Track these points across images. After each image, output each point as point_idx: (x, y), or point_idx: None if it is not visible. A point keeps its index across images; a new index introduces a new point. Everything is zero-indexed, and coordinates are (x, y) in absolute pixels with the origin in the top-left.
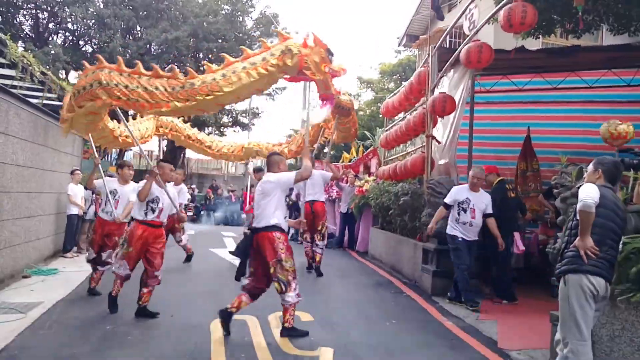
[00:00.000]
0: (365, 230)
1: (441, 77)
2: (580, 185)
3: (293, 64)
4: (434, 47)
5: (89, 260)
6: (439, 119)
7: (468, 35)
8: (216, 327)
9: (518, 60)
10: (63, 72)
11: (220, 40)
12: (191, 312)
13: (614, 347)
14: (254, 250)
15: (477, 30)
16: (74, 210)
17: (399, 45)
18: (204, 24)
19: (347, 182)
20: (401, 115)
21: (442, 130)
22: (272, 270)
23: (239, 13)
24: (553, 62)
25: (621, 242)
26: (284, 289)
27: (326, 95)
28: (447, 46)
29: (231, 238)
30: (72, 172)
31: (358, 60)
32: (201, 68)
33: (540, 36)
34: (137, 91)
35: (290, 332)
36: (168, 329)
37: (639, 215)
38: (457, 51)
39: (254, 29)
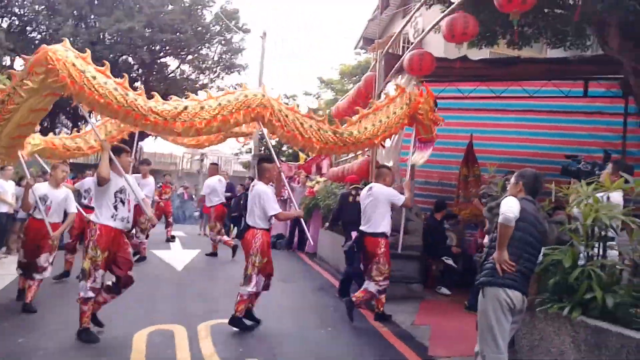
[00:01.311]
0: (314, 231)
1: (387, 83)
2: (504, 197)
3: (412, 113)
4: (382, 52)
5: (20, 265)
6: None
7: (414, 43)
8: (140, 339)
9: (463, 69)
10: (8, 59)
11: (177, 33)
12: (116, 322)
13: (533, 357)
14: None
15: (421, 38)
16: (3, 209)
17: (355, 48)
18: (160, 14)
19: (298, 183)
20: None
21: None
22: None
23: (199, 7)
24: (496, 72)
25: (541, 254)
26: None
27: (427, 138)
28: (401, 52)
29: (178, 238)
30: (1, 168)
31: (319, 59)
32: (158, 61)
33: (488, 46)
34: None
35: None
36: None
37: (561, 224)
38: (402, 58)
39: (213, 23)
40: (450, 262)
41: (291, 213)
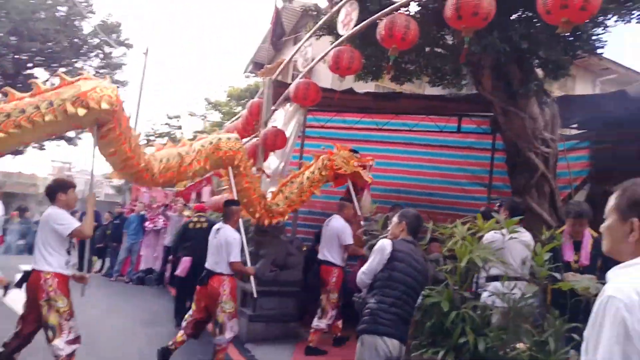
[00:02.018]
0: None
1: (275, 111)
2: (384, 237)
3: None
4: (269, 79)
5: None
6: (271, 153)
7: (302, 72)
8: None
9: (349, 100)
10: None
11: (49, 43)
12: None
13: None
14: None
15: (309, 68)
16: None
17: (245, 71)
18: (30, 22)
19: (175, 211)
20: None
21: (273, 161)
22: None
23: (77, 17)
24: (380, 105)
25: (421, 296)
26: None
27: (362, 184)
28: (290, 79)
29: None
30: None
31: (207, 80)
32: (23, 72)
33: (374, 79)
34: None
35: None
36: None
37: (437, 264)
38: (290, 86)
39: (91, 36)
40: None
41: (248, 269)
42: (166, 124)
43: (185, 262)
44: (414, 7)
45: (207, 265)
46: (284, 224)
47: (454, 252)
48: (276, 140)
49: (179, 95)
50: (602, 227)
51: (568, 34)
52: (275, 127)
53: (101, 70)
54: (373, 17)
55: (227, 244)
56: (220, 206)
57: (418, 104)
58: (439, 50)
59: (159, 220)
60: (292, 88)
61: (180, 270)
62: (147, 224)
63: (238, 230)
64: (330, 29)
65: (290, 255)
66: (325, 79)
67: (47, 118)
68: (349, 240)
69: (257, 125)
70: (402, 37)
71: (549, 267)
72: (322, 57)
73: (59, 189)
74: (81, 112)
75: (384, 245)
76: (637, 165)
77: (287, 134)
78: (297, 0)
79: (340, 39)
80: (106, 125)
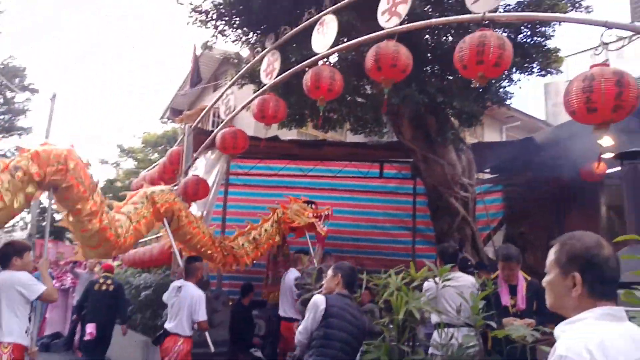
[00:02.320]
0: None
1: (196, 159)
2: (318, 292)
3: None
4: (190, 127)
5: None
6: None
7: (224, 120)
8: None
9: (273, 147)
10: None
11: None
12: None
13: None
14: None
15: (232, 117)
16: None
17: (162, 118)
18: None
19: (84, 268)
20: None
21: (195, 210)
22: None
23: None
24: (304, 152)
25: (360, 351)
26: None
27: (319, 236)
28: (211, 126)
29: None
30: None
31: (120, 126)
32: None
33: (298, 127)
34: None
35: None
36: None
37: (372, 315)
38: (212, 134)
39: None
40: (259, 354)
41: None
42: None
43: (90, 327)
44: (333, 58)
45: (166, 325)
46: (208, 278)
47: (389, 303)
48: (198, 189)
49: (89, 141)
50: (544, 282)
51: (478, 86)
52: (197, 175)
53: (1, 117)
54: (296, 67)
55: (192, 302)
56: (137, 261)
57: (342, 151)
58: (360, 99)
59: (67, 279)
60: (218, 137)
61: (87, 335)
62: (53, 282)
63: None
64: (252, 77)
65: (215, 312)
66: (248, 126)
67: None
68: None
69: (177, 174)
70: (328, 89)
71: (485, 314)
72: (246, 105)
73: (14, 253)
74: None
75: (317, 301)
76: (546, 207)
77: (210, 182)
78: (217, 48)
79: (263, 88)
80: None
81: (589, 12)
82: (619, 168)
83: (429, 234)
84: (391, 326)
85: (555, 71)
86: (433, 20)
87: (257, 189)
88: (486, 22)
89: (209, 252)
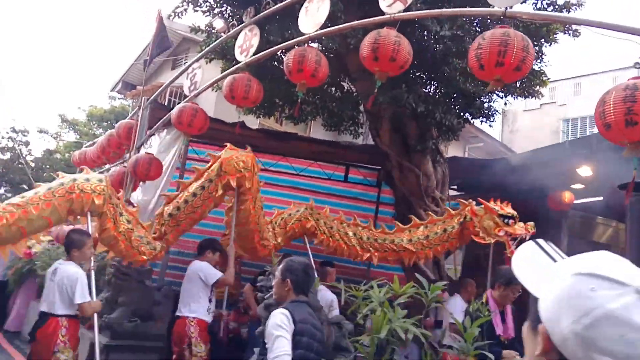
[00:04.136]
0: (23, 304)
1: (151, 136)
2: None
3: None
4: (148, 99)
5: None
6: (141, 183)
7: (188, 97)
8: None
9: (234, 134)
10: None
11: None
12: None
13: None
14: None
15: (199, 93)
16: None
17: (112, 90)
18: None
19: None
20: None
21: (142, 195)
22: None
23: None
24: (269, 145)
25: None
26: None
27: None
28: (166, 103)
29: None
30: None
31: (63, 96)
32: None
33: (265, 116)
34: None
35: None
36: None
37: (339, 327)
38: (172, 110)
39: None
40: None
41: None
42: (10, 137)
43: None
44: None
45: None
46: (150, 267)
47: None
48: (149, 168)
49: (28, 107)
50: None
51: (462, 99)
52: (150, 154)
53: None
54: (277, 46)
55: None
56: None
57: (308, 147)
58: (337, 94)
59: None
60: (175, 112)
61: None
62: None
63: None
64: (223, 53)
65: (156, 305)
66: (209, 108)
67: None
68: None
69: (125, 150)
70: (312, 73)
71: (479, 344)
72: (217, 81)
73: (207, 247)
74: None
75: (284, 320)
76: None
77: (164, 164)
78: (178, 22)
79: (237, 66)
80: None
81: (576, 36)
82: (587, 200)
83: None
84: (367, 345)
85: (536, 95)
86: (444, 10)
87: None
88: (505, 19)
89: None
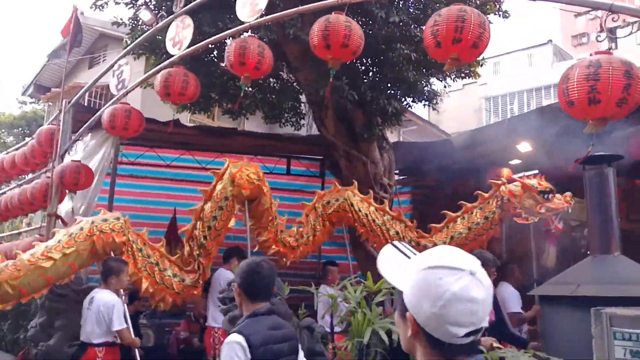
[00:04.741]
0: None
1: (75, 141)
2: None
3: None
4: (69, 102)
5: None
6: (68, 193)
7: (114, 96)
8: None
9: (168, 133)
10: None
11: None
12: None
13: None
14: None
15: (128, 92)
16: None
17: (23, 94)
18: None
19: None
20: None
21: (70, 204)
22: None
23: None
24: (206, 142)
25: None
26: None
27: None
28: (86, 104)
29: None
30: None
31: None
32: None
33: (202, 112)
34: None
35: None
36: None
37: (309, 331)
38: (99, 111)
39: None
40: None
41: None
42: None
43: None
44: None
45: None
46: (88, 286)
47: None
48: (79, 177)
49: None
50: None
51: (406, 83)
52: (77, 161)
53: None
54: (214, 37)
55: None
56: None
57: (250, 142)
58: (276, 85)
59: None
60: (106, 114)
61: None
62: None
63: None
64: (152, 47)
65: None
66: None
67: None
68: None
69: (50, 157)
70: (255, 66)
71: None
72: (149, 77)
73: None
74: None
75: (238, 353)
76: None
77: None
78: (94, 18)
79: (171, 59)
80: None
81: (506, 17)
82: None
83: (338, 235)
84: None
85: (473, 75)
86: None
87: (147, 180)
88: None
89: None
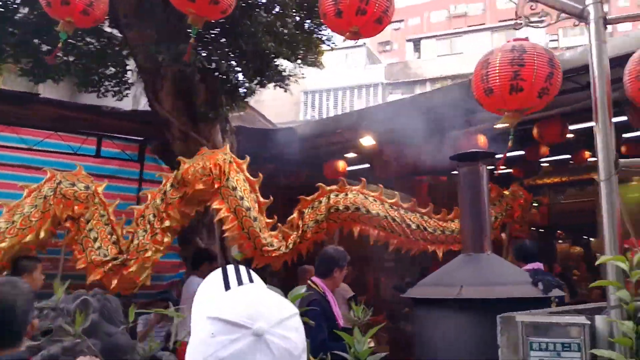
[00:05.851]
0: None
1: None
2: None
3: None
4: None
5: None
6: None
7: None
8: None
9: None
10: None
11: None
12: None
13: None
14: None
15: None
16: None
17: None
18: None
19: None
20: None
21: None
22: None
23: None
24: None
25: None
26: None
27: None
28: None
29: None
30: None
31: None
32: None
33: None
34: None
35: None
36: None
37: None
38: None
39: None
40: None
41: None
42: None
43: None
44: None
45: None
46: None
47: None
48: None
49: None
50: None
51: (258, 60)
52: None
53: None
54: None
55: None
56: None
57: (50, 112)
58: (96, 45)
59: None
60: None
61: None
62: None
63: None
64: None
65: None
66: None
67: None
68: None
69: None
70: (84, 9)
71: None
72: None
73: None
74: None
75: None
76: (286, 202)
77: None
78: None
79: None
80: None
81: None
82: (357, 167)
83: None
84: None
85: (318, 65)
86: None
87: None
88: None
89: None
